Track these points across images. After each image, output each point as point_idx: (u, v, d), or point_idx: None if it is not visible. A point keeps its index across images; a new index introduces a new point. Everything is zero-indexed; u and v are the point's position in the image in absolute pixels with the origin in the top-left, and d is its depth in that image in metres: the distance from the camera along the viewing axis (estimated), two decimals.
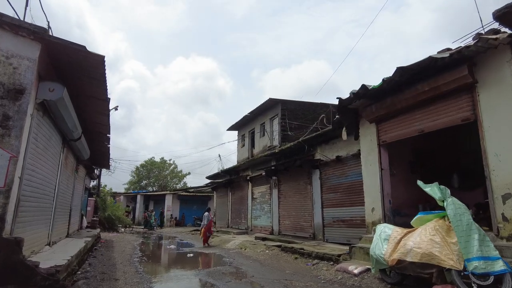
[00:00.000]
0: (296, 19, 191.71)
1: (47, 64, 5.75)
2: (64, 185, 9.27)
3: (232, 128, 22.82)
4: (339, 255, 8.21)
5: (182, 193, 32.84)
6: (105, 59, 5.62)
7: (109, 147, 12.43)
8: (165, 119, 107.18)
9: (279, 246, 11.51)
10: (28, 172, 5.45)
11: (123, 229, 23.01)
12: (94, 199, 21.04)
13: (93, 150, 12.02)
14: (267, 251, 11.54)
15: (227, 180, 21.31)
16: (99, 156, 13.93)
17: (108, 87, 6.99)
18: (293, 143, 12.93)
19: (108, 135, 10.75)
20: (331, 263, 8.13)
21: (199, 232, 16.04)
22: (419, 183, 5.58)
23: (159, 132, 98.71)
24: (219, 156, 29.92)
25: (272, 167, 15.20)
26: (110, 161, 22.45)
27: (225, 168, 23.05)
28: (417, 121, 7.48)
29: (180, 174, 53.57)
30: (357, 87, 8.51)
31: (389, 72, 7.48)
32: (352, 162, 10.36)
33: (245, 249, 12.55)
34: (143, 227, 26.10)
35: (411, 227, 5.97)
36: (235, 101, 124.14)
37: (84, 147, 9.88)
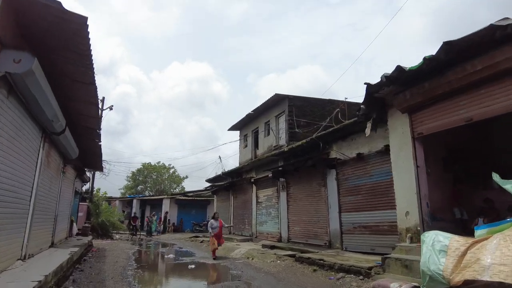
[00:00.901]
0: (292, 23, 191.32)
1: (13, 29, 4.51)
2: (46, 187, 7.99)
3: (233, 128, 21.59)
4: (369, 268, 6.96)
5: (180, 198, 31.43)
6: (89, 25, 4.41)
7: (100, 145, 11.14)
8: (161, 124, 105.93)
9: (292, 256, 10.26)
10: None
11: (117, 236, 21.61)
12: (86, 204, 19.65)
13: (82, 148, 10.74)
14: (278, 261, 10.27)
15: (229, 183, 20.03)
16: (90, 156, 12.63)
17: (95, 68, 5.80)
18: (305, 140, 11.71)
19: (98, 130, 9.48)
20: (360, 277, 6.89)
21: (208, 241, 12.91)
22: (495, 177, 4.34)
23: (156, 137, 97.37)
24: (220, 158, 28.43)
25: (280, 168, 13.97)
26: (103, 162, 21.18)
27: (226, 170, 21.76)
28: (463, 108, 6.30)
29: (178, 178, 52.46)
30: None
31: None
32: (376, 160, 9.15)
33: (252, 258, 11.26)
34: (145, 233, 24.50)
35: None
36: (231, 106, 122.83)
37: (70, 144, 8.60)
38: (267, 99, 16.24)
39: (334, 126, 11.57)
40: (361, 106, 8.48)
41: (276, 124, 16.68)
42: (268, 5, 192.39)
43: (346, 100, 14.41)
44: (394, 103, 7.55)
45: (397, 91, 7.39)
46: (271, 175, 14.65)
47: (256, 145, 19.15)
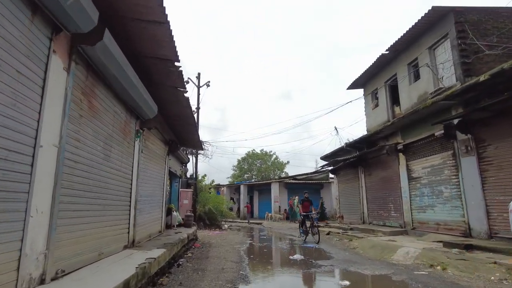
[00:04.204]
0: None
1: None
2: (92, 149, 4.69)
3: (354, 85, 16.41)
4: None
5: (289, 181, 27.80)
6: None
7: (188, 99, 7.70)
8: (257, 117, 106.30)
9: None
10: None
11: (226, 225, 19.04)
12: (190, 190, 17.43)
13: (163, 104, 7.53)
14: None
15: (357, 156, 15.12)
16: (178, 122, 9.50)
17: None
18: None
19: (177, 62, 5.86)
20: None
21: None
22: None
23: (253, 129, 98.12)
24: (335, 128, 23.01)
25: (459, 118, 8.51)
26: (204, 143, 18.64)
27: (348, 141, 16.82)
28: None
29: (280, 164, 50.22)
30: None
31: None
32: None
33: (444, 268, 6.39)
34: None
35: None
36: (319, 92, 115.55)
37: (129, 78, 5.16)
38: (416, 21, 10.66)
39: None
40: None
41: (432, 59, 10.98)
42: None
43: None
44: None
45: None
46: (440, 132, 9.29)
47: (394, 100, 13.70)
